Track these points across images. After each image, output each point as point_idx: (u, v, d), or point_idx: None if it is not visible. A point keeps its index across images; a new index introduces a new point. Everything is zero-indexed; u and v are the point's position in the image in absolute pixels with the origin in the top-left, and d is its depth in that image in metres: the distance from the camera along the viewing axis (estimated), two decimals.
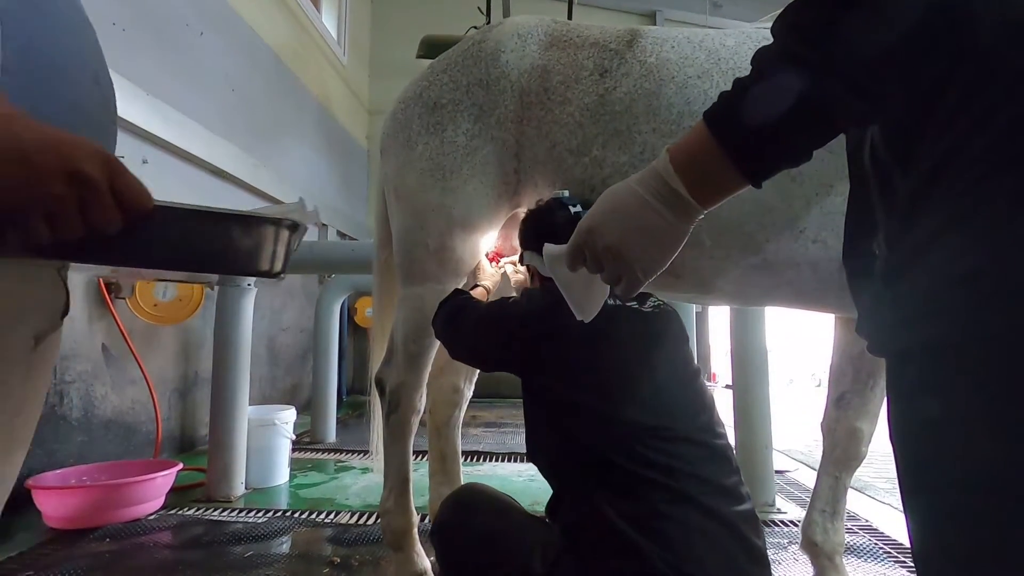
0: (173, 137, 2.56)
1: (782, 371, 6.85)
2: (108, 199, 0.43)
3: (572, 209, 1.14)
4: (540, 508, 2.04)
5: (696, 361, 1.18)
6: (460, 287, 1.44)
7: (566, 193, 1.20)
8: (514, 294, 1.43)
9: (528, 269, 1.29)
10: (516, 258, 1.47)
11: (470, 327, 1.19)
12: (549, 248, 0.70)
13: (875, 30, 0.42)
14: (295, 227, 0.54)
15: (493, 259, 1.55)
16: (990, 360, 0.42)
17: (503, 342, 1.13)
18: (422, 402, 1.53)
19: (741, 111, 0.49)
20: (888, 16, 0.42)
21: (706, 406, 1.08)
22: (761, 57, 0.49)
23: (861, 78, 0.44)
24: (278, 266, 0.53)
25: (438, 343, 1.46)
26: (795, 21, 0.47)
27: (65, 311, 0.56)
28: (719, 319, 4.60)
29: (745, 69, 1.19)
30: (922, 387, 0.47)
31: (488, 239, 1.46)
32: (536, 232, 1.19)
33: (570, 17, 3.82)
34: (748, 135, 0.50)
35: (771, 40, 0.49)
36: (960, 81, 0.44)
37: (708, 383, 1.18)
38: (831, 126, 0.48)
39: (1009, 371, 0.41)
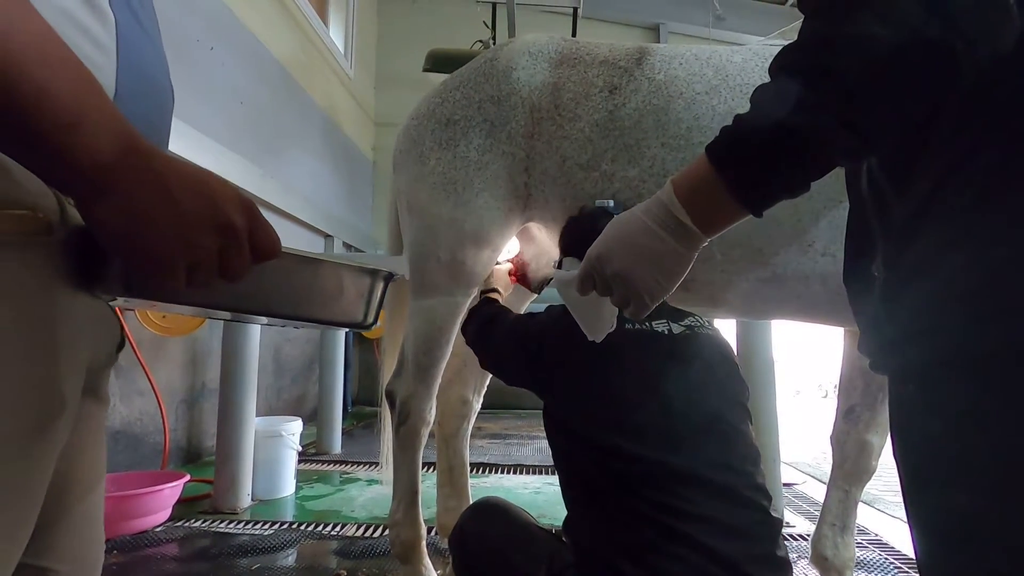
0: (182, 150, 2.58)
1: (788, 382, 6.81)
2: (247, 249, 0.41)
3: None
4: (546, 521, 2.04)
5: (743, 387, 1.11)
6: (480, 295, 1.44)
7: (611, 203, 1.21)
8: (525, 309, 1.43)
9: None
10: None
11: (497, 341, 1.21)
12: (559, 274, 0.73)
13: (864, 71, 0.45)
14: (391, 278, 0.53)
15: (511, 273, 1.56)
16: (986, 378, 0.44)
17: (521, 361, 1.14)
18: (432, 414, 1.53)
19: (740, 146, 0.52)
20: (876, 58, 0.44)
21: (731, 441, 1.01)
22: (759, 95, 0.52)
23: (854, 117, 0.47)
24: (371, 317, 0.52)
25: (448, 355, 1.47)
26: (790, 63, 0.50)
27: (121, 344, 0.54)
28: (725, 330, 4.60)
29: (752, 85, 1.22)
30: (921, 404, 0.49)
31: (499, 252, 1.47)
32: (580, 239, 1.15)
33: (574, 30, 3.86)
34: (747, 169, 0.52)
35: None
36: (949, 112, 0.47)
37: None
38: (827, 160, 0.51)
39: (1004, 388, 0.43)
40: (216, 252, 0.40)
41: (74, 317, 0.43)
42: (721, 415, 1.04)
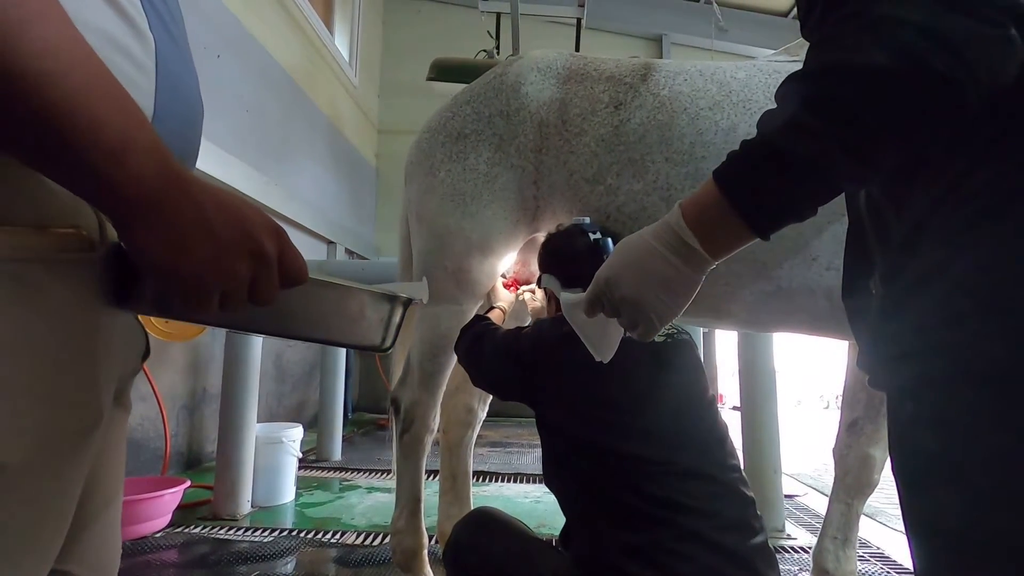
0: None
1: (790, 392, 6.79)
2: (276, 275, 0.42)
3: (592, 236, 1.16)
4: (546, 530, 2.04)
5: (709, 389, 1.17)
6: (477, 309, 1.45)
7: (587, 220, 1.22)
8: (530, 319, 1.44)
9: (545, 292, 1.31)
10: (533, 286, 1.49)
11: (487, 357, 1.21)
12: (567, 296, 0.75)
13: (869, 101, 0.46)
14: (409, 303, 0.55)
15: (510, 285, 1.58)
16: (982, 396, 0.45)
17: (513, 374, 1.14)
18: (436, 421, 1.54)
19: (747, 171, 0.54)
20: (880, 89, 0.45)
21: (718, 439, 1.07)
22: (765, 122, 0.53)
23: (858, 145, 0.48)
24: (389, 340, 0.54)
25: (452, 363, 1.47)
26: (796, 90, 0.51)
27: (146, 353, 0.55)
28: (726, 340, 4.60)
29: (755, 101, 1.23)
30: (919, 421, 0.50)
31: (505, 263, 1.49)
32: (556, 257, 1.21)
33: (578, 41, 3.89)
34: (754, 194, 0.53)
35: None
36: (946, 138, 0.48)
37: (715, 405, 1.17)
38: (833, 186, 0.52)
39: (1000, 407, 0.44)
40: (248, 278, 0.41)
41: (110, 331, 0.45)
42: (709, 415, 1.10)
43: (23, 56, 0.32)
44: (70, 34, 0.35)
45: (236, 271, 0.40)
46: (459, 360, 1.33)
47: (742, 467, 1.09)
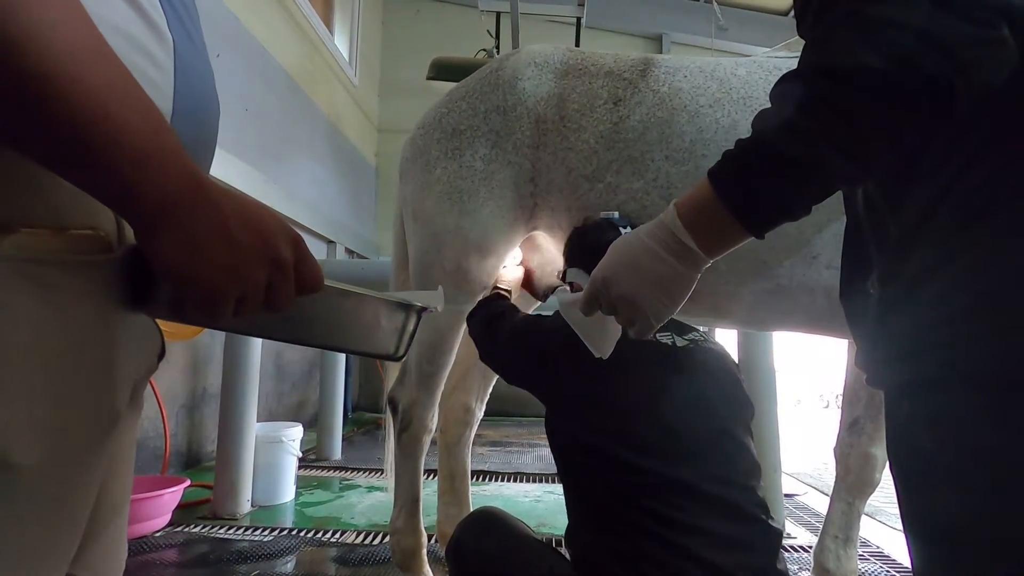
0: None
1: (790, 392, 6.79)
2: (292, 283, 0.42)
3: (623, 230, 1.13)
4: (546, 530, 2.04)
5: (743, 401, 1.11)
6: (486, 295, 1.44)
7: (615, 214, 1.21)
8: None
9: (572, 287, 1.27)
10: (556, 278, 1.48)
11: (503, 338, 1.20)
12: (563, 296, 0.75)
13: (862, 103, 0.46)
14: (423, 311, 0.55)
15: (525, 275, 1.57)
16: (976, 395, 0.46)
17: (530, 364, 1.13)
18: (434, 421, 1.54)
19: (741, 171, 0.54)
20: (874, 91, 0.46)
21: (728, 455, 1.01)
22: (759, 121, 0.53)
23: (851, 146, 0.48)
24: (402, 349, 0.53)
25: (451, 363, 1.47)
26: (790, 90, 0.51)
27: (162, 354, 0.55)
28: (726, 339, 4.59)
29: (755, 98, 1.23)
30: (915, 420, 0.51)
31: (503, 262, 1.48)
32: (586, 251, 1.17)
33: (577, 40, 3.89)
34: (748, 193, 0.54)
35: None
36: (942, 139, 0.49)
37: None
38: (826, 186, 0.52)
39: (994, 406, 0.45)
40: (264, 285, 0.41)
41: (127, 333, 0.44)
42: (725, 429, 1.04)
43: (48, 59, 0.32)
44: (94, 37, 0.35)
45: (253, 277, 0.40)
46: (469, 332, 1.32)
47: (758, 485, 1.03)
